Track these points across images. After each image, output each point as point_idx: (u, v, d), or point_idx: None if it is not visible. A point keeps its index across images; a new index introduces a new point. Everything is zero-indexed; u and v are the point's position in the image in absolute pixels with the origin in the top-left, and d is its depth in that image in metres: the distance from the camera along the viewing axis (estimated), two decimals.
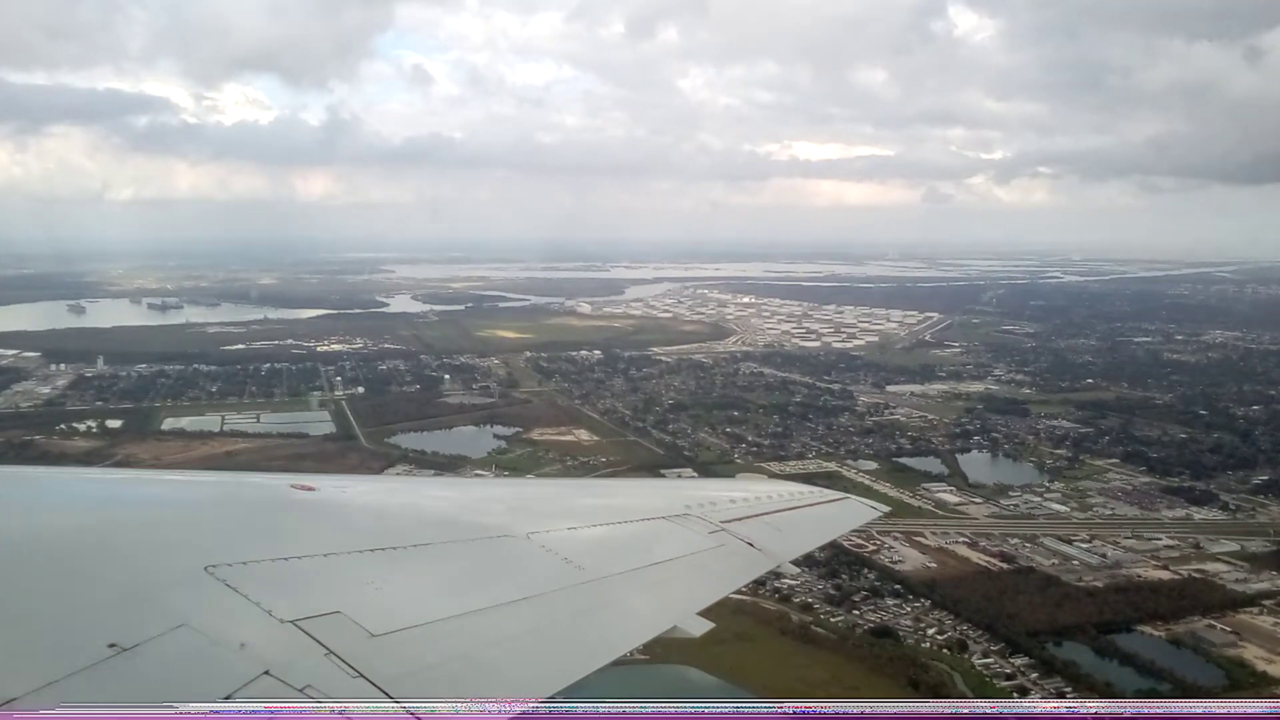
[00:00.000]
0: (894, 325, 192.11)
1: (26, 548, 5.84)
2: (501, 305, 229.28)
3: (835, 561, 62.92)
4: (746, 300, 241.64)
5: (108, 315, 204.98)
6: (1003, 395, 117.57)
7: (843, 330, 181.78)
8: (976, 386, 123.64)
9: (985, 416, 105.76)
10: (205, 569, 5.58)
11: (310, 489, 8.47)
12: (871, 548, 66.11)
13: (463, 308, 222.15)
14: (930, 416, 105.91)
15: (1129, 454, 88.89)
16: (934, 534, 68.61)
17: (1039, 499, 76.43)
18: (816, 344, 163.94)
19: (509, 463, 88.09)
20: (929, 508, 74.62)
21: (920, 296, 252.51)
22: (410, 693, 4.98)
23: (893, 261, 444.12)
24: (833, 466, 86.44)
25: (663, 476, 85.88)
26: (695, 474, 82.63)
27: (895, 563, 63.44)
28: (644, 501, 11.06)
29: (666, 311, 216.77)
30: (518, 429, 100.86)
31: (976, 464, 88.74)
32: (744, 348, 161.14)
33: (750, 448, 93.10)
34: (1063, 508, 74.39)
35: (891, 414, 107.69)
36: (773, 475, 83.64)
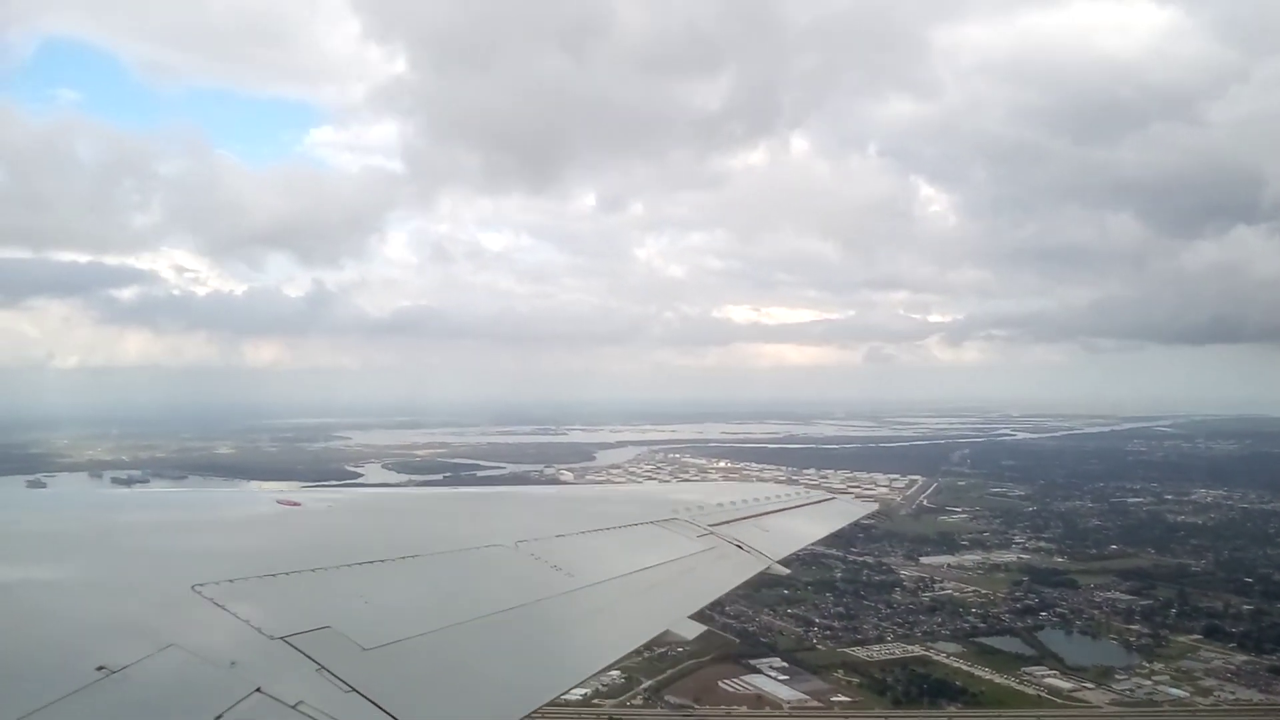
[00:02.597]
0: (885, 490, 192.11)
1: (8, 568, 5.76)
2: (480, 475, 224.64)
3: None
4: (724, 465, 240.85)
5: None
6: (1039, 565, 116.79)
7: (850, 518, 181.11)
8: (1008, 557, 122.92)
9: (1036, 589, 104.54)
10: (192, 588, 5.54)
11: (295, 504, 8.51)
12: None
13: (441, 478, 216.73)
14: (982, 591, 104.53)
15: (1209, 629, 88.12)
16: None
17: (1149, 683, 74.85)
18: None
19: None
20: (1045, 695, 72.50)
21: (890, 458, 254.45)
22: (404, 706, 4.97)
23: (840, 420, 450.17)
24: (917, 650, 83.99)
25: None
26: (784, 664, 79.88)
27: None
28: (631, 508, 11.13)
29: (651, 479, 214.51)
30: None
31: (1058, 643, 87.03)
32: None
33: (823, 631, 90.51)
34: (1180, 692, 72.86)
35: (942, 589, 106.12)
36: (850, 659, 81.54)
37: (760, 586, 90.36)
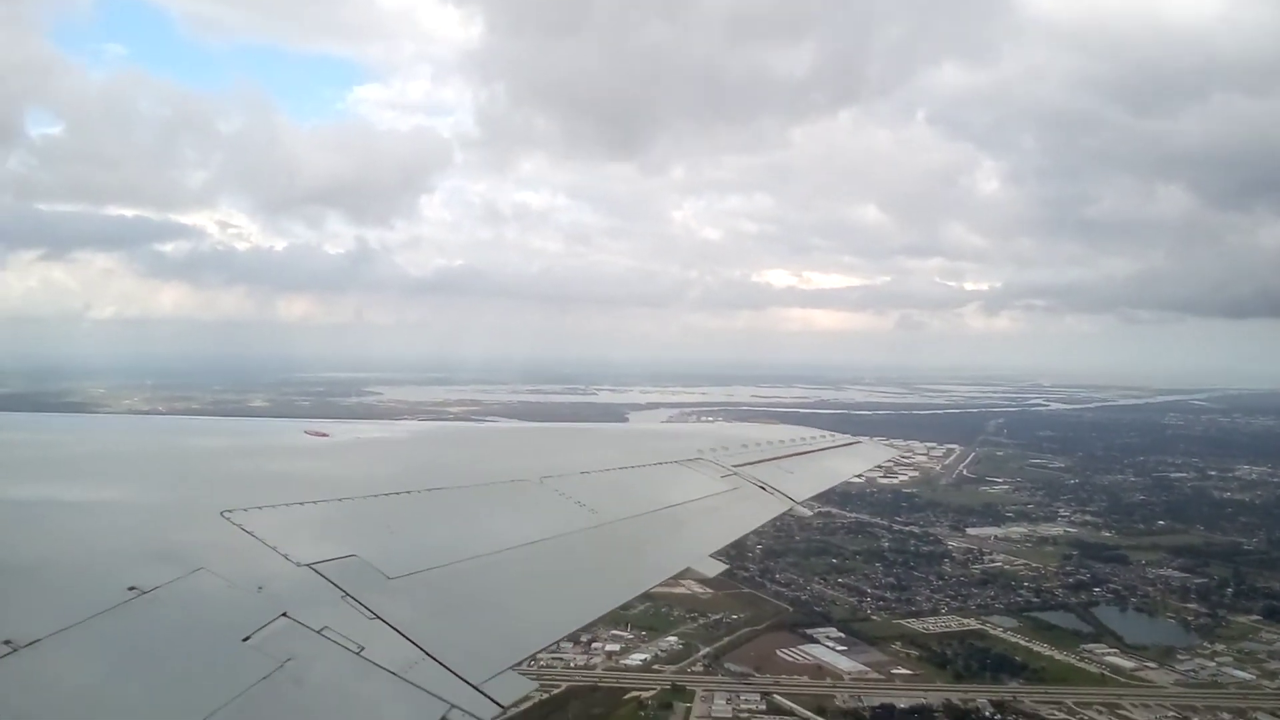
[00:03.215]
0: (923, 459, 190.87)
1: (43, 491, 5.84)
2: None
3: None
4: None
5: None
6: (1088, 540, 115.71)
7: (877, 465, 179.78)
8: (1055, 530, 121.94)
9: (1087, 564, 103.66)
10: (221, 514, 5.62)
11: (323, 435, 8.62)
12: None
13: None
14: (1033, 564, 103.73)
15: (1269, 610, 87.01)
16: (1134, 706, 65.85)
17: (1213, 664, 74.00)
18: (861, 480, 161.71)
19: (635, 619, 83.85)
20: (1108, 674, 71.84)
21: (926, 425, 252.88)
22: (427, 634, 5.05)
23: (870, 386, 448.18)
24: (973, 624, 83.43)
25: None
26: (841, 634, 79.57)
27: None
28: (657, 446, 11.22)
29: None
30: None
31: (1114, 620, 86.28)
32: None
33: (876, 602, 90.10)
34: (1246, 674, 72.10)
35: (992, 561, 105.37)
36: (907, 631, 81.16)
37: (809, 555, 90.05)
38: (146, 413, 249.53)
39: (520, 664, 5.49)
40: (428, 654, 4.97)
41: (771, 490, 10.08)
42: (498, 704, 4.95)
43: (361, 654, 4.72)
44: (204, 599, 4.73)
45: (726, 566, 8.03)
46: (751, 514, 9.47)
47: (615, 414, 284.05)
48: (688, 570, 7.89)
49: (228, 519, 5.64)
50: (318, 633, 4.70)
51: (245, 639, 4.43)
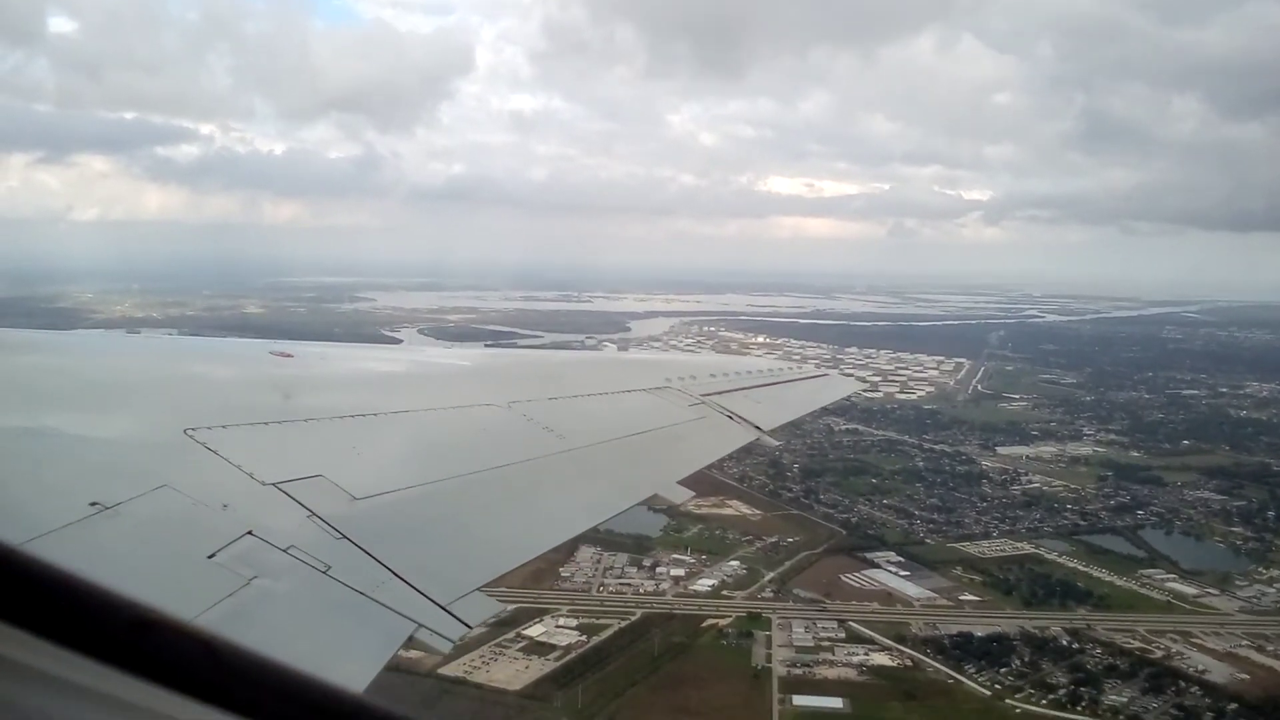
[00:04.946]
0: (934, 373, 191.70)
1: (4, 406, 5.75)
2: (521, 344, 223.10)
3: (1137, 671, 60.74)
4: (763, 340, 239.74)
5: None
6: (1119, 460, 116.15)
7: (891, 379, 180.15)
8: (1083, 449, 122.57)
9: (1124, 486, 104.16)
10: (185, 432, 5.54)
11: (288, 355, 8.52)
12: (1158, 653, 63.83)
13: (482, 346, 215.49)
14: (1071, 486, 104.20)
15: None
16: (1205, 635, 66.55)
17: (1272, 590, 74.93)
18: (879, 395, 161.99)
19: (692, 542, 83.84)
20: (1171, 601, 72.59)
21: (926, 338, 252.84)
22: (393, 554, 5.07)
23: (861, 295, 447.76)
24: (1026, 548, 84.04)
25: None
26: (901, 559, 79.90)
27: (1201, 672, 61.11)
28: (626, 374, 11.23)
29: (693, 353, 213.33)
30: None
31: (1163, 544, 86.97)
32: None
33: (925, 525, 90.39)
34: None
35: (1030, 483, 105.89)
36: (964, 555, 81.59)
37: (847, 474, 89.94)
38: (140, 319, 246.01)
39: (488, 585, 5.42)
40: (395, 574, 4.94)
41: (739, 419, 10.03)
42: (465, 624, 5.00)
43: (328, 573, 4.70)
44: (168, 516, 4.68)
45: (693, 494, 8.04)
46: (718, 442, 9.51)
47: (615, 322, 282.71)
48: (655, 497, 7.88)
49: (191, 437, 5.53)
50: (284, 551, 4.68)
51: (210, 556, 4.40)
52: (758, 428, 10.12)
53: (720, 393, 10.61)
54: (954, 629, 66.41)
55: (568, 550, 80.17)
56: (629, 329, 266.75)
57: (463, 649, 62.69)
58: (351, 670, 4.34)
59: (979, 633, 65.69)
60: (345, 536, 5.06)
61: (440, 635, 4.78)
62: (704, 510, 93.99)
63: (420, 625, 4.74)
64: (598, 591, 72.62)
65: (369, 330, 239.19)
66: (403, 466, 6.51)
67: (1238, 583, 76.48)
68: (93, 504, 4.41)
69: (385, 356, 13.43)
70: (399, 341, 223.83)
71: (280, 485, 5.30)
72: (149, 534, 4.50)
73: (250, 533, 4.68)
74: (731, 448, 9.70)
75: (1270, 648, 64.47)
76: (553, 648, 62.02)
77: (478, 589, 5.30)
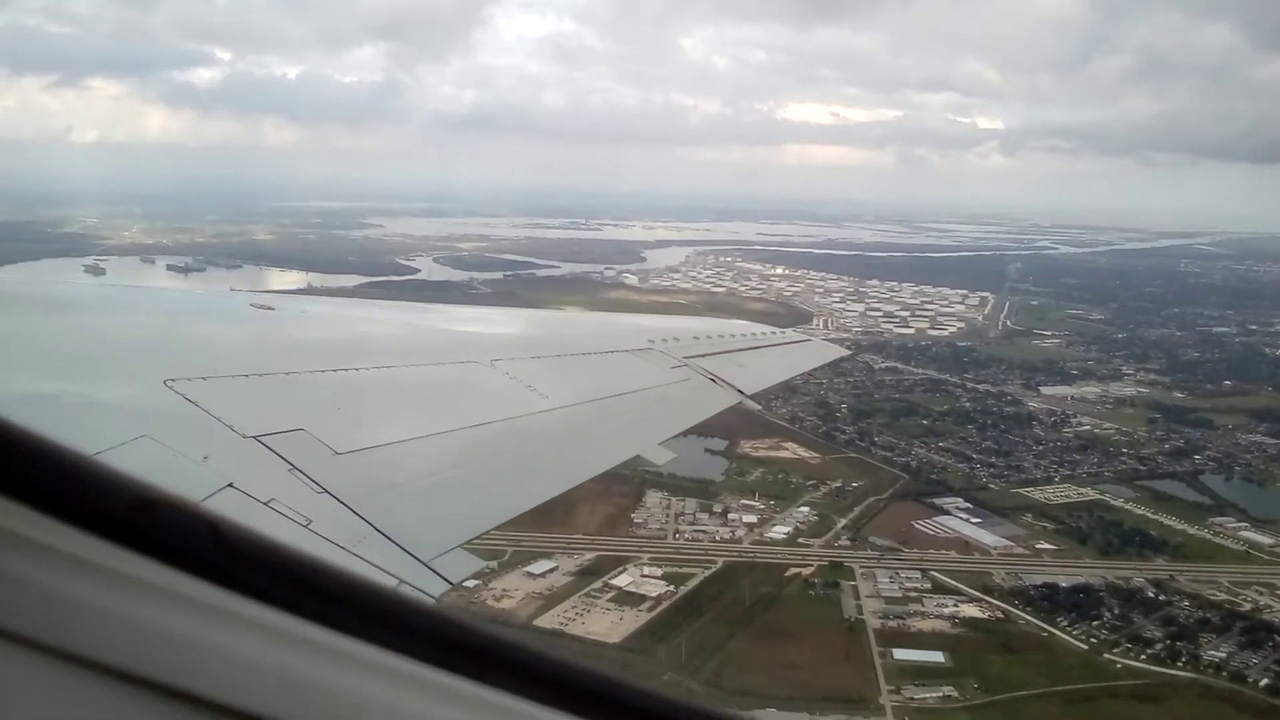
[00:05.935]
0: (961, 307, 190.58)
1: None
2: (540, 275, 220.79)
3: (1230, 625, 60.73)
4: (782, 272, 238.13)
5: (129, 279, 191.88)
6: (1165, 402, 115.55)
7: (918, 314, 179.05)
8: (1127, 389, 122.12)
9: (1175, 429, 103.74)
10: (164, 382, 5.50)
11: (269, 308, 8.41)
12: (1246, 606, 63.77)
13: (502, 276, 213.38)
14: (1123, 429, 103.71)
15: None
16: None
17: None
18: (911, 331, 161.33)
19: (758, 486, 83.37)
20: (1249, 551, 72.32)
21: (944, 270, 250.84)
22: (375, 509, 5.05)
23: (870, 224, 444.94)
24: (1090, 494, 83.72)
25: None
26: (969, 505, 79.59)
27: None
28: (609, 335, 11.29)
29: (717, 286, 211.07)
30: (720, 440, 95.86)
31: (1225, 489, 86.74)
32: (843, 335, 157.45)
33: (985, 469, 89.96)
34: None
35: (1081, 425, 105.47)
36: (1031, 501, 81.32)
37: (897, 415, 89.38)
38: (149, 246, 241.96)
39: (470, 541, 5.41)
40: (376, 529, 4.89)
41: (721, 383, 10.06)
42: (447, 580, 4.94)
43: (309, 527, 4.63)
44: (147, 467, 4.44)
45: (675, 455, 8.02)
46: (701, 404, 9.53)
47: (630, 251, 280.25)
48: (638, 458, 7.86)
49: (171, 388, 5.43)
50: (265, 504, 4.63)
51: None
52: (740, 391, 10.17)
53: (703, 355, 10.64)
54: (1038, 579, 66.22)
55: (635, 495, 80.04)
56: (644, 259, 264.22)
57: (554, 599, 62.63)
58: None
59: (1064, 583, 65.50)
60: (327, 491, 5.00)
61: (422, 591, 4.72)
62: (761, 453, 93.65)
63: (402, 581, 4.67)
64: (674, 538, 72.20)
65: (385, 259, 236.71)
66: (385, 422, 6.47)
67: None
68: None
69: (370, 311, 13.00)
70: (416, 270, 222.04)
71: (261, 438, 5.22)
72: None
73: (231, 485, 4.61)
74: (713, 411, 9.61)
75: None
76: (643, 598, 61.66)
77: (459, 545, 5.31)
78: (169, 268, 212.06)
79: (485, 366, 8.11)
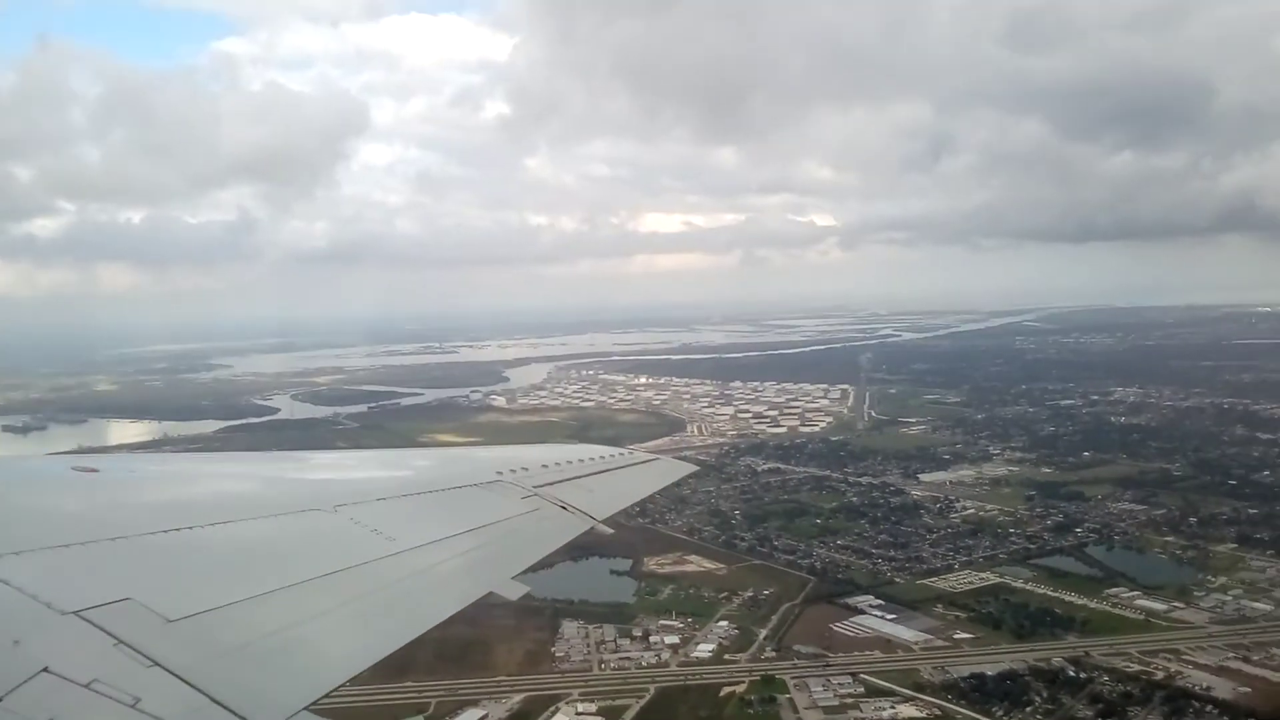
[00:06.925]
0: (824, 401, 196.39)
1: None
2: (405, 404, 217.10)
3: (1151, 695, 63.01)
4: (646, 381, 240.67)
5: None
6: (1035, 479, 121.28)
7: (786, 412, 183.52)
8: (998, 470, 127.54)
9: (1052, 505, 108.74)
10: None
11: (93, 470, 8.23)
12: (1159, 674, 66.30)
13: (366, 409, 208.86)
14: (1005, 509, 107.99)
15: (1241, 538, 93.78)
16: (1191, 650, 69.48)
17: (1228, 598, 78.89)
18: (783, 430, 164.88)
19: (671, 605, 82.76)
20: (1147, 619, 75.61)
21: (800, 365, 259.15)
22: (213, 678, 4.85)
23: (719, 325, 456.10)
24: (991, 578, 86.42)
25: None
26: (881, 602, 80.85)
27: (1207, 689, 63.56)
28: (455, 470, 11.19)
29: (586, 400, 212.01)
30: (623, 559, 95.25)
31: (1110, 559, 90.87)
32: (717, 439, 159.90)
33: (887, 563, 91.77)
34: (1263, 605, 77.35)
35: (965, 508, 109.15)
36: (938, 591, 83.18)
37: (791, 516, 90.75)
38: None
39: (316, 703, 5.19)
40: (213, 700, 4.67)
41: (573, 510, 10.10)
42: None
43: (137, 706, 4.37)
44: None
45: (528, 589, 7.90)
46: (553, 534, 9.48)
47: (491, 372, 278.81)
48: (491, 595, 7.71)
49: None
50: (85, 686, 4.33)
51: None
52: (591, 516, 10.12)
53: (553, 483, 10.66)
54: (965, 670, 67.47)
55: (550, 627, 78.40)
56: (507, 378, 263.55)
57: None
58: None
59: (989, 671, 66.94)
60: (157, 663, 4.73)
61: None
62: (668, 569, 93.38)
63: None
64: (600, 669, 70.73)
65: (241, 400, 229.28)
66: (222, 582, 6.15)
67: (1195, 594, 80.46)
68: None
69: (205, 466, 12.82)
70: (276, 410, 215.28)
71: (82, 613, 4.92)
72: None
73: (46, 669, 4.30)
74: (566, 539, 9.54)
75: (1255, 657, 67.90)
76: None
77: (305, 708, 5.05)
78: (5, 428, 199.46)
79: (329, 513, 7.92)
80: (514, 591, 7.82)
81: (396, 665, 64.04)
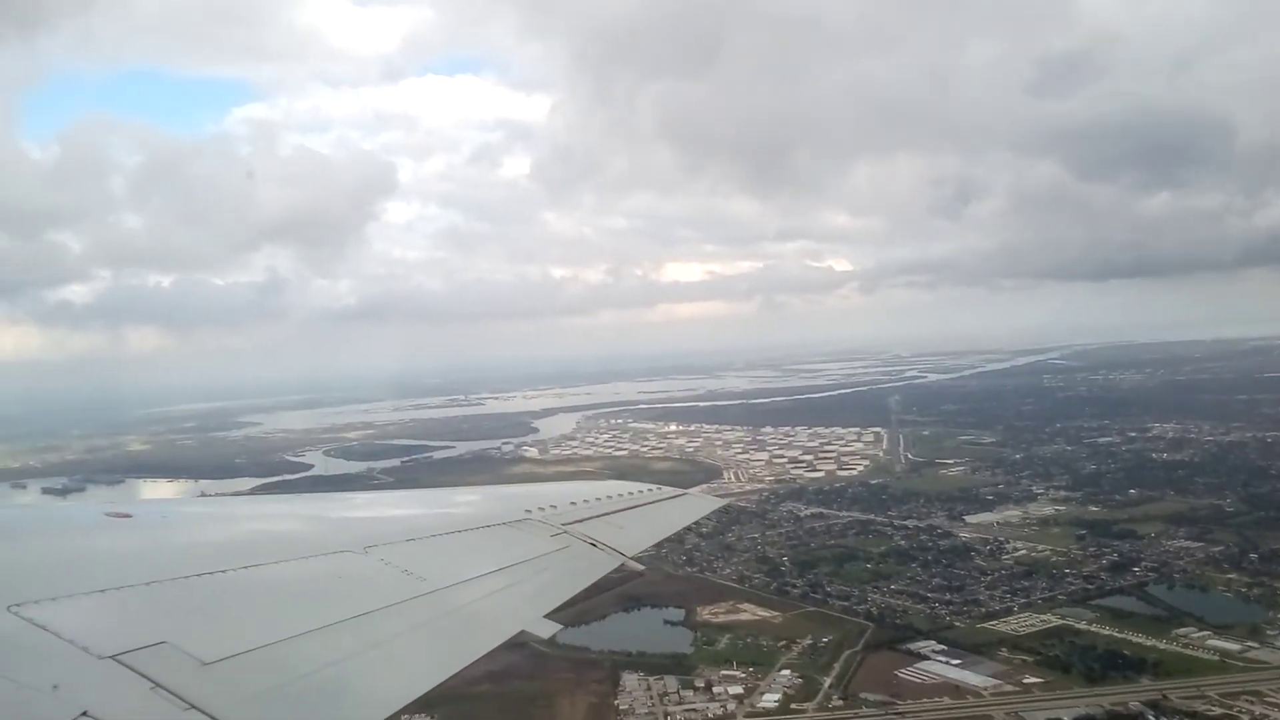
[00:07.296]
0: (859, 445, 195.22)
1: None
2: (438, 457, 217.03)
3: None
4: (677, 428, 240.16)
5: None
6: (1085, 518, 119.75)
7: (822, 456, 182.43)
8: (1045, 509, 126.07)
9: (1105, 544, 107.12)
10: (9, 608, 5.31)
11: (126, 515, 8.28)
12: (1245, 717, 64.80)
13: (399, 463, 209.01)
14: (1057, 549, 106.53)
15: None
16: (1273, 692, 67.66)
17: None
18: (821, 474, 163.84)
19: (731, 655, 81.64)
20: (1219, 660, 73.90)
21: (830, 409, 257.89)
22: (248, 719, 4.93)
23: (743, 371, 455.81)
24: (1053, 620, 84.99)
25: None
26: (944, 647, 79.60)
27: None
28: (484, 509, 11.19)
29: (619, 449, 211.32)
30: (675, 608, 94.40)
31: (1174, 598, 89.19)
32: (755, 485, 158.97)
33: (944, 607, 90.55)
34: None
35: (1016, 549, 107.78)
36: (1001, 635, 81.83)
37: (841, 561, 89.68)
38: (17, 470, 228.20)
39: None
40: None
41: (602, 546, 10.11)
42: None
43: None
44: None
45: (561, 627, 7.98)
46: (583, 571, 9.47)
47: (521, 424, 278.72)
48: (523, 633, 7.76)
49: (16, 614, 5.22)
50: None
51: None
52: (621, 553, 10.11)
53: (581, 520, 10.64)
54: (1039, 715, 66.18)
55: (611, 680, 77.42)
56: (536, 429, 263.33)
57: None
58: None
59: (1065, 716, 65.65)
60: (194, 706, 4.80)
61: None
62: (722, 618, 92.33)
63: None
64: None
65: (274, 457, 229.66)
66: (256, 625, 6.20)
67: (1269, 633, 78.75)
68: None
69: (236, 509, 12.80)
70: (310, 466, 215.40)
71: (119, 657, 5.00)
72: None
73: (85, 714, 4.36)
74: (596, 576, 9.53)
75: None
76: None
77: None
78: (44, 491, 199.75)
79: (359, 555, 7.97)
80: (546, 629, 7.87)
81: None
